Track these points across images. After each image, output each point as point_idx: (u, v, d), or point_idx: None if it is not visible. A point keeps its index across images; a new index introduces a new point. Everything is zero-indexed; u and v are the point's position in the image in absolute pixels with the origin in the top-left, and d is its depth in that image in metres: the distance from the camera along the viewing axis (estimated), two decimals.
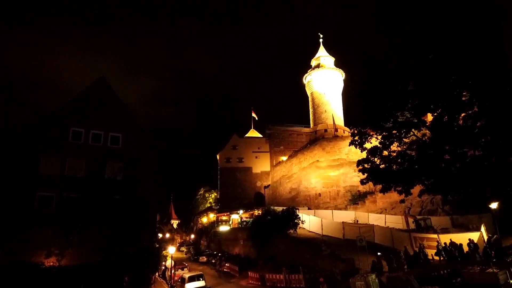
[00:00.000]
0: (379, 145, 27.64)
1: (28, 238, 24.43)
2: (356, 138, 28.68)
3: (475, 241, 21.98)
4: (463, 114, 23.55)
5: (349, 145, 30.28)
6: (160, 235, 42.18)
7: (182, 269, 38.44)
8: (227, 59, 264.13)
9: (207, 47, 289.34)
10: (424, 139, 25.99)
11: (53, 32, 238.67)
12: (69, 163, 28.39)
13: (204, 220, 75.63)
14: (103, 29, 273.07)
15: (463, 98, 23.23)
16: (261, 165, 75.67)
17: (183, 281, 29.84)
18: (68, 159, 28.43)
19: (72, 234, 24.67)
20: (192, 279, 29.30)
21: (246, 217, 53.54)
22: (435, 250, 22.68)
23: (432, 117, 25.40)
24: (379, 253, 23.51)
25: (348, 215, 41.18)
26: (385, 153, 27.53)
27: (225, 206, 69.52)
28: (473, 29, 22.27)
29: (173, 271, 33.85)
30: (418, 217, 30.45)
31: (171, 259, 32.95)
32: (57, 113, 29.84)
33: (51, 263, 24.28)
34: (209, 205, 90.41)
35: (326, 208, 49.38)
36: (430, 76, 23.98)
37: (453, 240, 22.45)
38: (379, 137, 27.55)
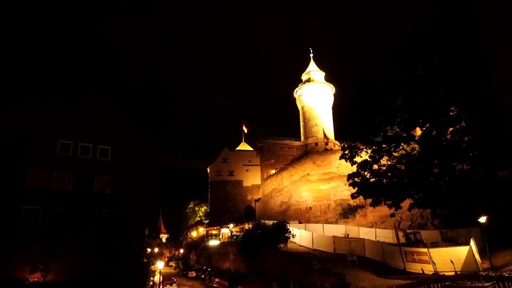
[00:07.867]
0: (369, 159, 27.90)
1: (12, 252, 23.74)
2: (347, 152, 28.93)
3: (465, 255, 22.02)
4: (451, 129, 23.97)
5: (340, 158, 30.52)
6: (148, 250, 41.43)
7: (171, 285, 37.65)
8: (219, 71, 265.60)
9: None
10: (413, 153, 26.32)
11: None
12: (57, 175, 27.84)
13: (194, 234, 74.49)
14: None
15: (451, 113, 23.66)
16: (251, 178, 75.45)
17: None
18: (55, 171, 27.87)
19: (58, 249, 24.03)
20: None
21: (237, 231, 52.94)
22: (426, 265, 22.69)
23: (420, 132, 25.78)
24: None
25: (338, 229, 41.13)
26: (375, 167, 27.77)
27: (215, 220, 68.72)
28: (459, 47, 22.84)
29: (161, 286, 33.13)
30: (408, 231, 30.50)
31: (160, 274, 32.28)
32: (45, 125, 29.39)
33: (36, 279, 23.56)
34: (198, 219, 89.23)
35: (317, 222, 49.22)
36: (419, 91, 24.43)
37: (442, 253, 22.49)
38: (369, 151, 27.84)
